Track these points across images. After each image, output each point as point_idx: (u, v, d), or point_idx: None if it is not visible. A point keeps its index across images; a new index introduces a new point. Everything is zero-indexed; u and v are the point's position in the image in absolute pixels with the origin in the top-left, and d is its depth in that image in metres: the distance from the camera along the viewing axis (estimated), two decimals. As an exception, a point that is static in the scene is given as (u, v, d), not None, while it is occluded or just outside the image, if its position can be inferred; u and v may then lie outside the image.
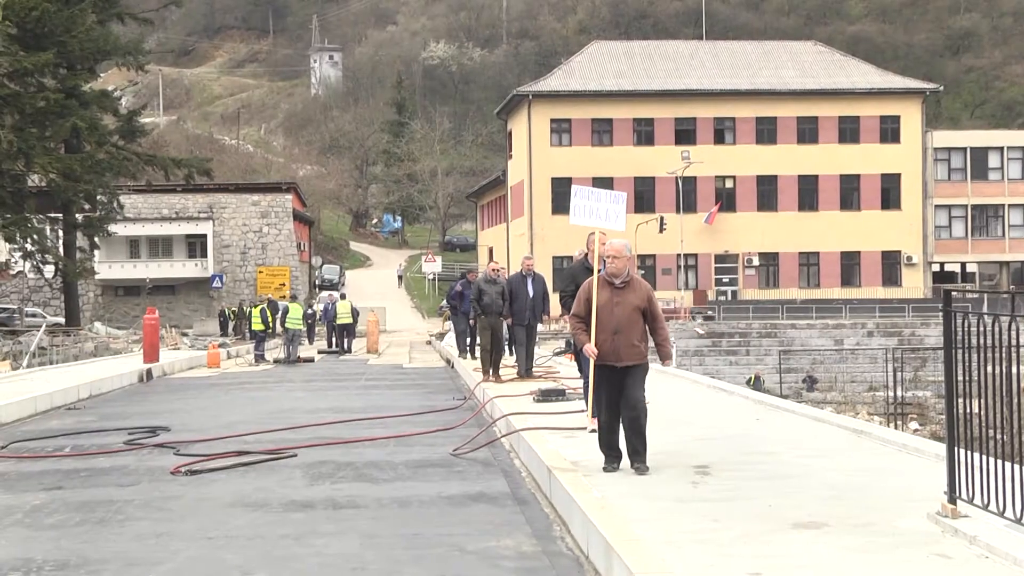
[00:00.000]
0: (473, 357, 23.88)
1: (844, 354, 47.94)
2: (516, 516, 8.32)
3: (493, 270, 18.94)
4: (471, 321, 24.02)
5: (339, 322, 38.15)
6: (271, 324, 33.31)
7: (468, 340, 24.95)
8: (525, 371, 18.08)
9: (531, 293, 17.87)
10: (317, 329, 46.07)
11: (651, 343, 9.28)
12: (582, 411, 13.18)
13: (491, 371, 17.92)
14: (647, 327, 9.11)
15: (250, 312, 34.18)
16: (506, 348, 19.68)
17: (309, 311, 43.72)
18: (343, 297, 41.12)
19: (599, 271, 9.37)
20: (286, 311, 31.90)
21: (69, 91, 44.20)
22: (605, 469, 8.86)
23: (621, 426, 9.01)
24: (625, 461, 8.96)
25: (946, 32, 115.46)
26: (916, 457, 9.50)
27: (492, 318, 18.24)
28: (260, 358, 31.54)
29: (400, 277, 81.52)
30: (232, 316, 54.05)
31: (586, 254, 17.73)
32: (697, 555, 6.12)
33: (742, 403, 14.40)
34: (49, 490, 9.81)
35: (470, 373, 20.40)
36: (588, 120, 60.18)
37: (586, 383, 11.41)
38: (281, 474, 10.38)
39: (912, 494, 7.70)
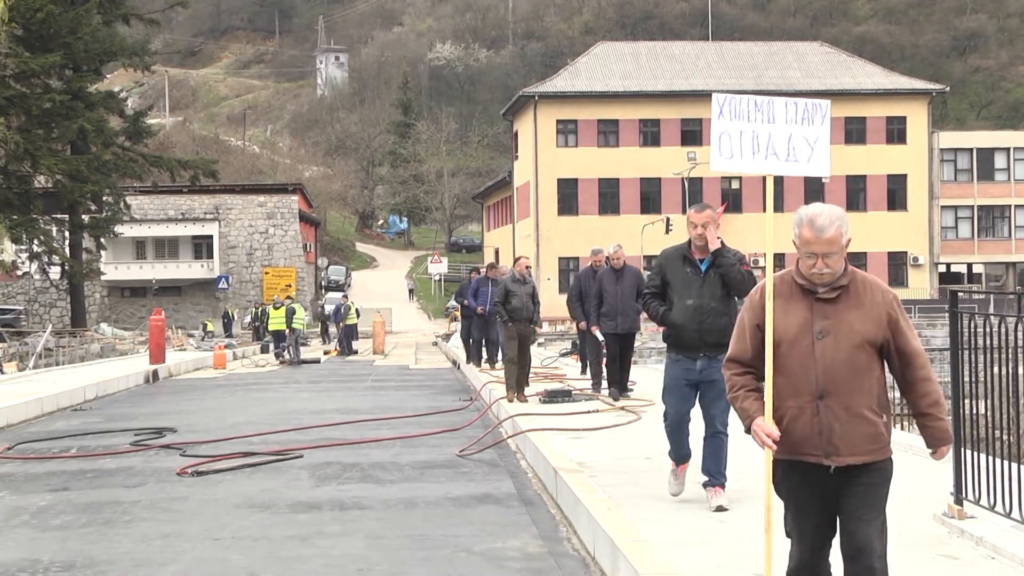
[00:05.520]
0: (483, 363, 22.30)
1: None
2: (522, 517, 8.32)
3: (524, 267, 16.02)
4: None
5: (348, 322, 38.43)
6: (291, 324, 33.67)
7: (483, 345, 22.57)
8: (619, 391, 14.52)
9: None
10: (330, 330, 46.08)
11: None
12: (587, 412, 13.09)
13: (521, 391, 14.78)
14: (889, 378, 4.46)
15: (266, 311, 34.23)
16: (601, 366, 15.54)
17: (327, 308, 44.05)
18: (345, 298, 41.39)
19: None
20: (292, 312, 32.06)
21: (75, 92, 44.34)
22: None
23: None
24: None
25: (952, 33, 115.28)
26: (922, 458, 9.48)
27: (521, 325, 15.17)
28: (281, 356, 32.09)
29: (411, 291, 78.03)
30: (235, 316, 54.14)
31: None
32: (703, 555, 6.12)
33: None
34: (55, 491, 9.82)
35: (476, 374, 20.36)
36: (594, 121, 60.11)
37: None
38: (287, 475, 10.39)
39: (918, 495, 7.70)
